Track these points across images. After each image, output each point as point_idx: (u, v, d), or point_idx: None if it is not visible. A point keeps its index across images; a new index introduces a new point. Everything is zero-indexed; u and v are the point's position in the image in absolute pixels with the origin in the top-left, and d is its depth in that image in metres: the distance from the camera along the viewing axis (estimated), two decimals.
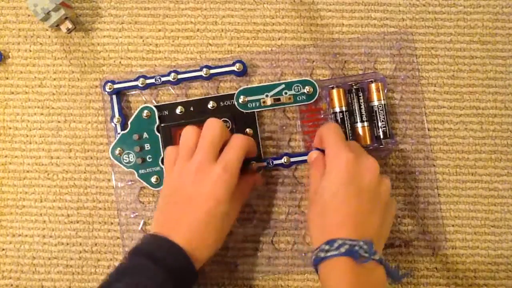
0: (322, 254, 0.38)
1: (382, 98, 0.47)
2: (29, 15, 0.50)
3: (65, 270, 0.48)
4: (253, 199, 0.48)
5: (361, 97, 0.47)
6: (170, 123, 0.47)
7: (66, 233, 0.49)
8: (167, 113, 0.48)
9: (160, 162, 0.47)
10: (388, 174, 0.48)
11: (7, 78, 0.50)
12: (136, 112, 0.47)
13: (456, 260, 0.48)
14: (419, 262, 0.48)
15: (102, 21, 0.50)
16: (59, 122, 0.50)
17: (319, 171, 0.42)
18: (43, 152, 0.49)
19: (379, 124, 0.47)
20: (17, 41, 0.50)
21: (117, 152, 0.47)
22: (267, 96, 0.47)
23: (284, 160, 0.47)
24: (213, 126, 0.43)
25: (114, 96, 0.49)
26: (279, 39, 0.50)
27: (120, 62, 0.50)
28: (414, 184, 0.48)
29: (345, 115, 0.47)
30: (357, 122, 0.47)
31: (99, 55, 0.50)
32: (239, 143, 0.43)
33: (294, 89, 0.47)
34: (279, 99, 0.47)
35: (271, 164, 0.47)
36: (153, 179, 0.47)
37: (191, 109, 0.48)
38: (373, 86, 0.47)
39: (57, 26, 0.49)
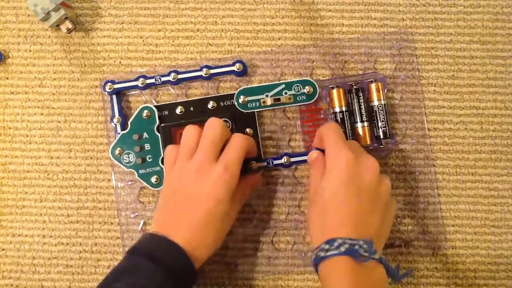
0: (322, 254, 0.38)
1: (382, 98, 0.47)
2: (29, 15, 0.50)
3: (65, 270, 0.48)
4: (253, 199, 0.48)
5: (361, 97, 0.47)
6: (170, 123, 0.47)
7: (66, 233, 0.49)
8: (167, 113, 0.48)
9: (160, 162, 0.47)
10: (388, 174, 0.48)
11: (7, 78, 0.50)
12: (136, 112, 0.47)
13: (456, 260, 0.48)
14: (419, 262, 0.48)
15: (102, 21, 0.50)
16: (59, 122, 0.50)
17: (319, 171, 0.42)
18: (43, 152, 0.49)
19: (379, 124, 0.47)
20: (17, 41, 0.50)
21: (117, 152, 0.47)
22: (267, 96, 0.47)
23: (284, 160, 0.47)
24: (214, 125, 0.43)
25: (114, 96, 0.49)
26: (279, 39, 0.50)
27: (120, 62, 0.50)
28: (414, 184, 0.48)
29: (345, 115, 0.47)
30: (357, 122, 0.47)
31: (99, 55, 0.50)
32: (239, 143, 0.43)
33: (294, 89, 0.47)
34: (279, 99, 0.47)
35: (271, 164, 0.47)
36: (153, 179, 0.47)
37: (191, 109, 0.48)
38: (373, 86, 0.47)
39: (57, 26, 0.49)
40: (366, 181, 0.40)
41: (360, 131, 0.47)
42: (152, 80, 0.48)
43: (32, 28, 0.50)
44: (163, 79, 0.48)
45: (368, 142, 0.47)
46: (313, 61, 0.49)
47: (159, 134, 0.47)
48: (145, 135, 0.47)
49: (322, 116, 0.48)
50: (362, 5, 0.50)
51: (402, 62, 0.49)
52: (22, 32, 0.50)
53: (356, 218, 0.39)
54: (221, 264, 0.48)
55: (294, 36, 0.50)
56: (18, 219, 0.49)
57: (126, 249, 0.47)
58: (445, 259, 0.48)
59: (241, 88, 0.47)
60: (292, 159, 0.47)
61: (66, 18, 0.48)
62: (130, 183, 0.48)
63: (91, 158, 0.49)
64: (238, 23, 0.50)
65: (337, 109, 0.47)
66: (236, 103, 0.47)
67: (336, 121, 0.47)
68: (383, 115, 0.47)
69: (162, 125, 0.47)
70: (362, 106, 0.47)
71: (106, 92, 0.48)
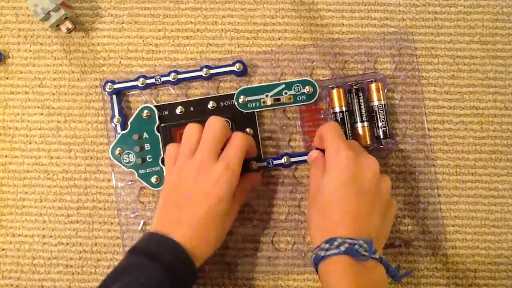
0: (322, 253, 0.38)
1: (382, 98, 0.47)
2: (29, 15, 0.50)
3: (65, 270, 0.48)
4: (253, 199, 0.48)
5: (361, 97, 0.47)
6: (170, 123, 0.47)
7: (66, 233, 0.49)
8: (167, 113, 0.48)
9: (160, 162, 0.47)
10: (388, 174, 0.48)
11: (7, 78, 0.50)
12: (136, 112, 0.47)
13: (456, 260, 0.48)
14: (419, 262, 0.48)
15: (102, 21, 0.50)
16: (59, 122, 0.50)
17: (319, 170, 0.42)
18: (43, 152, 0.49)
19: (379, 124, 0.47)
20: (17, 41, 0.50)
21: (117, 152, 0.47)
22: (267, 96, 0.47)
23: (284, 160, 0.47)
24: (215, 124, 0.43)
25: (114, 96, 0.49)
26: (279, 39, 0.50)
27: (120, 62, 0.50)
28: (414, 184, 0.48)
29: (345, 115, 0.47)
30: (357, 122, 0.47)
31: (99, 55, 0.50)
32: (239, 142, 0.43)
33: (294, 89, 0.47)
34: (279, 99, 0.47)
35: (271, 164, 0.47)
36: (153, 179, 0.47)
37: (191, 109, 0.48)
38: (373, 86, 0.47)
39: (57, 26, 0.49)
40: (366, 181, 0.40)
41: (360, 131, 0.47)
42: (152, 80, 0.48)
43: (32, 28, 0.50)
44: (163, 79, 0.48)
45: (368, 142, 0.47)
46: (313, 61, 0.49)
47: (159, 134, 0.47)
48: (145, 135, 0.47)
49: (322, 116, 0.48)
50: (362, 5, 0.50)
51: (402, 62, 0.49)
52: (22, 32, 0.50)
53: (356, 218, 0.39)
54: (221, 264, 0.48)
55: (294, 36, 0.50)
56: (18, 219, 0.49)
57: (126, 249, 0.47)
58: (445, 259, 0.48)
59: (241, 88, 0.47)
60: (292, 159, 0.47)
61: (66, 18, 0.48)
62: (130, 183, 0.48)
63: (91, 158, 0.49)
64: (238, 23, 0.50)
65: (337, 109, 0.47)
66: (236, 103, 0.47)
67: (336, 121, 0.47)
68: (383, 115, 0.47)
69: (162, 125, 0.47)
70: (362, 106, 0.47)
71: (106, 92, 0.48)
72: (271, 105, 0.47)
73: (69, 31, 0.48)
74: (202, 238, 0.40)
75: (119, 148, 0.47)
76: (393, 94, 0.49)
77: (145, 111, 0.47)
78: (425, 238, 0.48)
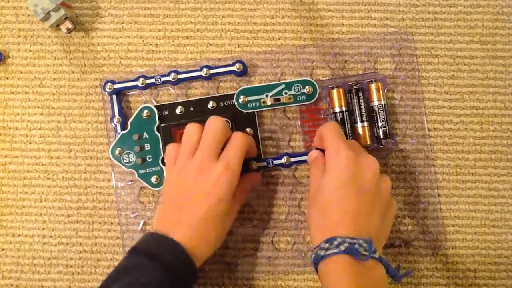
0: (322, 252, 0.38)
1: (382, 98, 0.47)
2: (29, 15, 0.50)
3: (65, 270, 0.48)
4: (253, 199, 0.48)
5: (361, 97, 0.47)
6: (170, 123, 0.47)
7: (66, 233, 0.49)
8: (167, 113, 0.48)
9: (160, 162, 0.47)
10: (388, 174, 0.48)
11: (7, 78, 0.50)
12: (136, 112, 0.47)
13: (456, 260, 0.48)
14: (419, 262, 0.48)
15: (102, 21, 0.50)
16: (59, 122, 0.50)
17: (319, 170, 0.42)
18: (43, 152, 0.49)
19: (379, 124, 0.47)
20: (17, 41, 0.50)
21: (117, 152, 0.47)
22: (267, 96, 0.47)
23: (284, 160, 0.47)
24: (215, 124, 0.43)
25: (114, 96, 0.49)
26: (279, 39, 0.50)
27: (120, 62, 0.50)
28: (414, 184, 0.48)
29: (345, 115, 0.47)
30: (357, 122, 0.47)
31: (99, 55, 0.50)
32: (239, 142, 0.43)
33: (294, 89, 0.47)
34: (279, 99, 0.47)
35: (271, 164, 0.47)
36: (153, 179, 0.47)
37: (191, 109, 0.48)
38: (373, 86, 0.47)
39: (57, 26, 0.49)
40: (366, 181, 0.40)
41: (360, 131, 0.47)
42: (152, 80, 0.48)
43: (32, 28, 0.50)
44: (163, 79, 0.48)
45: (368, 142, 0.47)
46: (313, 61, 0.49)
47: (159, 134, 0.47)
48: (145, 135, 0.47)
49: (322, 116, 0.48)
50: (362, 5, 0.50)
51: (402, 62, 0.49)
52: (22, 32, 0.50)
53: (356, 217, 0.39)
54: (221, 264, 0.48)
55: (294, 36, 0.50)
56: (18, 219, 0.49)
57: (126, 249, 0.48)
58: (445, 259, 0.48)
59: (241, 88, 0.47)
60: (292, 159, 0.47)
61: (66, 18, 0.48)
62: (130, 183, 0.48)
63: (91, 158, 0.49)
64: (238, 23, 0.50)
65: (337, 109, 0.47)
66: (236, 103, 0.47)
67: (336, 121, 0.47)
68: (383, 115, 0.47)
69: (162, 125, 0.47)
70: (362, 106, 0.47)
71: (106, 92, 0.48)
72: (271, 105, 0.47)
73: (69, 31, 0.48)
74: (202, 238, 0.40)
75: (119, 148, 0.47)
76: (393, 94, 0.49)
77: (145, 111, 0.47)
78: (425, 238, 0.48)
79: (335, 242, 0.38)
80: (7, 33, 0.50)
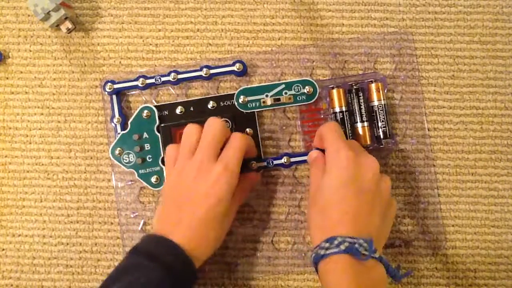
0: (322, 252, 0.38)
1: (382, 98, 0.47)
2: (29, 15, 0.50)
3: (65, 270, 0.48)
4: (253, 199, 0.48)
5: (361, 97, 0.47)
6: (170, 123, 0.47)
7: (66, 233, 0.49)
8: (167, 113, 0.48)
9: (160, 162, 0.47)
10: (388, 174, 0.48)
11: (7, 78, 0.50)
12: (136, 112, 0.47)
13: (456, 260, 0.48)
14: (419, 262, 0.48)
15: (102, 21, 0.50)
16: (59, 122, 0.50)
17: (320, 170, 0.42)
18: (43, 152, 0.49)
19: (379, 124, 0.47)
20: (17, 41, 0.50)
21: (117, 152, 0.47)
22: (267, 96, 0.47)
23: (284, 160, 0.47)
24: (214, 125, 0.43)
25: (114, 96, 0.49)
26: (279, 39, 0.50)
27: (120, 62, 0.50)
28: (414, 184, 0.48)
29: (345, 115, 0.47)
30: (357, 122, 0.47)
31: (99, 55, 0.50)
32: (238, 143, 0.43)
33: (294, 89, 0.47)
34: (279, 99, 0.47)
35: (271, 164, 0.47)
36: (153, 179, 0.47)
37: (191, 109, 0.48)
38: (373, 86, 0.47)
39: (57, 26, 0.49)
40: (366, 181, 0.40)
41: (360, 131, 0.47)
42: (152, 80, 0.48)
43: (32, 28, 0.50)
44: (163, 79, 0.48)
45: (368, 142, 0.47)
46: (313, 61, 0.49)
47: (159, 134, 0.47)
48: (145, 135, 0.47)
49: (322, 116, 0.48)
50: (362, 5, 0.50)
51: (402, 62, 0.49)
52: (22, 32, 0.50)
53: (356, 217, 0.39)
54: (221, 264, 0.48)
55: (294, 36, 0.50)
56: (18, 219, 0.49)
57: (126, 249, 0.48)
58: (445, 259, 0.48)
59: (241, 88, 0.47)
60: (292, 159, 0.47)
61: (66, 18, 0.48)
62: (130, 183, 0.48)
63: (91, 158, 0.49)
64: (238, 23, 0.50)
65: (337, 109, 0.47)
66: (236, 103, 0.47)
67: (336, 121, 0.47)
68: (383, 115, 0.47)
69: (162, 125, 0.47)
70: (362, 106, 0.47)
71: (106, 92, 0.48)
72: (271, 105, 0.47)
73: (69, 31, 0.48)
74: (201, 238, 0.40)
75: (119, 148, 0.47)
76: (393, 94, 0.49)
77: (145, 111, 0.47)
78: (425, 238, 0.48)
79: (335, 242, 0.38)
80: (7, 33, 0.50)
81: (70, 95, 0.50)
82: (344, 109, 0.47)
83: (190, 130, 0.43)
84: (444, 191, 0.48)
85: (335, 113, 0.47)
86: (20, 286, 0.48)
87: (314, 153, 0.45)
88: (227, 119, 0.47)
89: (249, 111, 0.47)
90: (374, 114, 0.47)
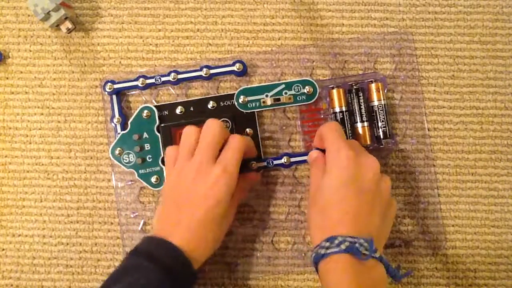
0: (322, 251, 0.38)
1: (382, 98, 0.47)
2: (29, 15, 0.50)
3: (65, 270, 0.48)
4: (253, 199, 0.48)
5: (361, 97, 0.47)
6: (170, 123, 0.47)
7: (66, 233, 0.49)
8: (167, 113, 0.48)
9: (160, 162, 0.47)
10: (388, 174, 0.48)
11: (7, 78, 0.50)
12: (136, 112, 0.47)
13: (456, 260, 0.48)
14: (419, 262, 0.48)
15: (102, 21, 0.50)
16: (59, 122, 0.50)
17: (320, 170, 0.42)
18: (43, 152, 0.49)
19: (379, 124, 0.47)
20: (17, 41, 0.50)
21: (117, 152, 0.47)
22: (267, 96, 0.47)
23: (284, 160, 0.47)
24: (213, 126, 0.43)
25: (114, 96, 0.49)
26: (279, 39, 0.50)
27: (120, 62, 0.50)
28: (414, 184, 0.48)
29: (345, 115, 0.47)
30: (357, 122, 0.47)
31: (99, 55, 0.50)
32: (237, 144, 0.43)
33: (294, 89, 0.47)
34: (279, 99, 0.47)
35: (271, 164, 0.47)
36: (153, 179, 0.47)
37: (191, 109, 0.48)
38: (373, 86, 0.47)
39: (57, 26, 0.49)
40: (367, 180, 0.40)
41: (360, 131, 0.47)
42: (152, 80, 0.48)
43: (32, 28, 0.50)
44: (163, 79, 0.48)
45: (368, 142, 0.47)
46: (313, 61, 0.49)
47: (159, 134, 0.47)
48: (145, 135, 0.47)
49: (322, 116, 0.48)
50: (362, 5, 0.50)
51: (402, 62, 0.49)
52: (22, 32, 0.50)
53: (357, 217, 0.39)
54: (221, 264, 0.48)
55: (294, 36, 0.50)
56: (18, 219, 0.49)
57: (126, 249, 0.48)
58: (445, 259, 0.48)
59: (241, 88, 0.47)
60: (292, 159, 0.47)
61: (66, 18, 0.48)
62: (130, 183, 0.48)
63: (91, 158, 0.49)
64: (238, 23, 0.50)
65: (337, 109, 0.47)
66: (236, 103, 0.47)
67: (336, 121, 0.47)
68: (383, 115, 0.47)
69: (162, 125, 0.47)
70: (362, 106, 0.47)
71: (106, 92, 0.48)
72: (271, 105, 0.47)
73: (69, 31, 0.48)
74: (200, 240, 0.40)
75: (119, 148, 0.47)
76: (393, 94, 0.49)
77: (145, 111, 0.47)
78: (425, 238, 0.48)
79: (336, 241, 0.38)
80: (7, 33, 0.50)
81: (70, 95, 0.50)
82: (344, 109, 0.47)
83: (188, 131, 0.43)
84: (444, 191, 0.48)
85: (335, 113, 0.47)
86: (20, 286, 0.48)
87: (314, 153, 0.45)
88: (227, 119, 0.47)
89: (249, 111, 0.47)
90: (374, 114, 0.47)
